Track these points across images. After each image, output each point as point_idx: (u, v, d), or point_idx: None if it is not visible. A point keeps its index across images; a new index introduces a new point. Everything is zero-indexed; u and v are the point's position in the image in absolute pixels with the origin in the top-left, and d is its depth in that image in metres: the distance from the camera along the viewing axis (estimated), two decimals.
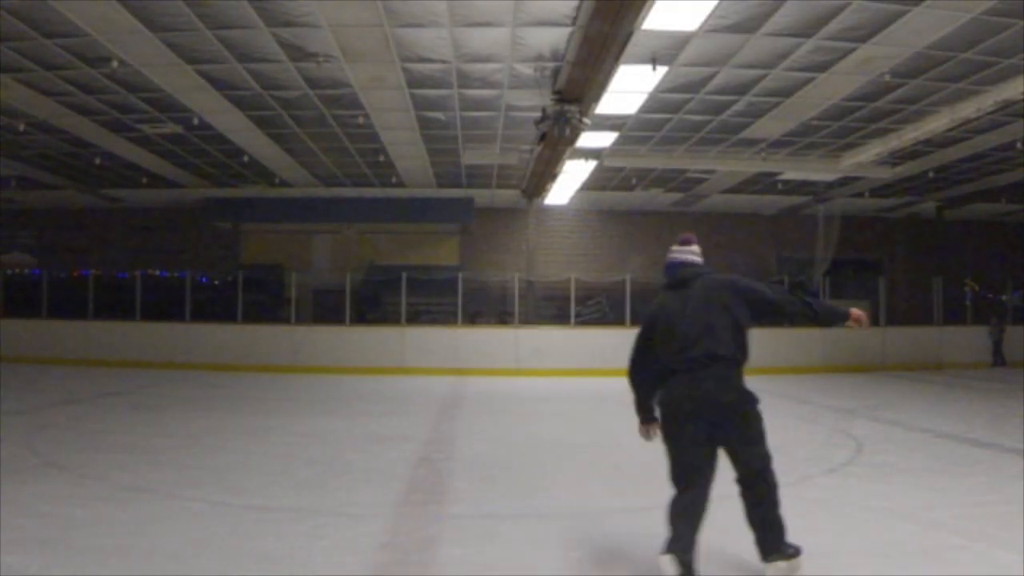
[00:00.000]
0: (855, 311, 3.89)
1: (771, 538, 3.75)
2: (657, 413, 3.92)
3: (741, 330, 3.73)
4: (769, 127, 13.11)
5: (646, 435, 4.11)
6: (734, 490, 3.78)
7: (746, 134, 13.59)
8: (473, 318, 18.73)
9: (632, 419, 4.17)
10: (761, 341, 16.90)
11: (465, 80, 10.78)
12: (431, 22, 8.78)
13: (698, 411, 3.59)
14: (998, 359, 18.12)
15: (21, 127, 13.02)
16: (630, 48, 8.91)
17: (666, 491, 3.69)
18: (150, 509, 5.25)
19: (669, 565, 3.42)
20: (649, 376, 3.94)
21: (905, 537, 4.70)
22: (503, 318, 18.94)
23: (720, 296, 3.74)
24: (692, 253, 3.93)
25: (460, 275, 18.17)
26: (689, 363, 3.62)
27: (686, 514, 3.57)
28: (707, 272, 3.86)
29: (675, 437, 3.68)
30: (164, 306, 17.81)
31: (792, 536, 3.72)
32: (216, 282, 19.62)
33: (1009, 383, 14.48)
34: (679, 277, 3.87)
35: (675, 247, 3.97)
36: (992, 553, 4.38)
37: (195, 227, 20.64)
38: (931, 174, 16.47)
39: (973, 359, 18.26)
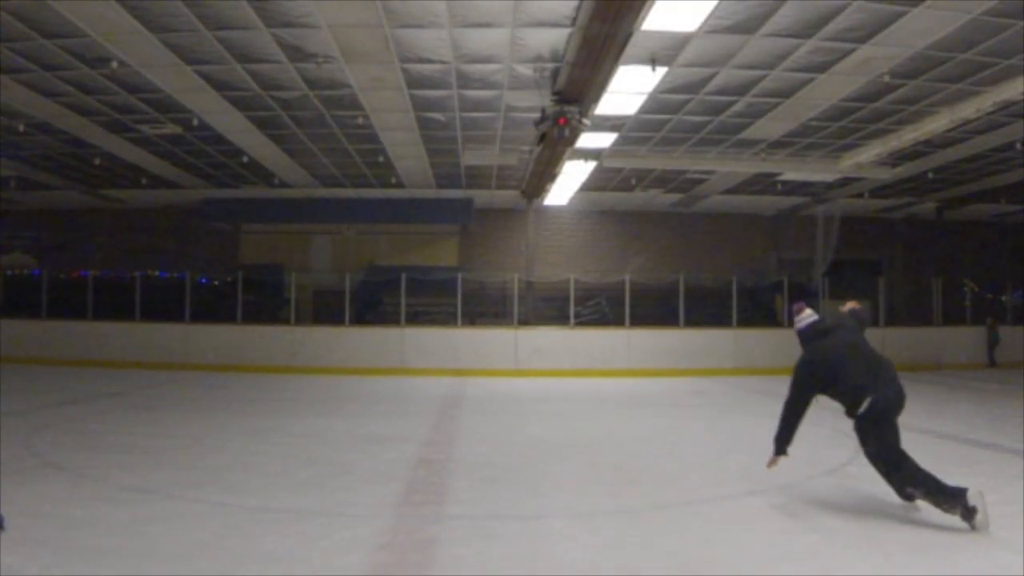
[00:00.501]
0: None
1: (934, 500, 4.84)
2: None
3: None
4: (769, 128, 13.11)
5: (773, 465, 5.34)
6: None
7: (746, 135, 13.59)
8: (473, 319, 18.73)
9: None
10: (760, 341, 16.83)
11: (465, 81, 10.78)
12: (431, 23, 8.78)
13: (902, 406, 5.04)
14: (992, 359, 18.12)
15: (21, 127, 13.03)
16: (630, 49, 8.91)
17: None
18: (150, 509, 5.25)
19: (978, 496, 4.70)
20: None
21: (905, 537, 4.70)
22: (505, 317, 18.91)
23: (861, 332, 5.36)
24: (813, 313, 5.42)
25: (460, 276, 18.17)
26: (889, 378, 5.04)
27: (927, 472, 4.91)
28: (827, 321, 5.40)
29: (893, 427, 5.01)
30: (164, 306, 17.79)
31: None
32: (216, 282, 19.60)
33: (1009, 383, 14.49)
34: (819, 330, 5.34)
35: (800, 315, 5.40)
36: (992, 553, 4.38)
37: (195, 227, 20.63)
38: (931, 174, 16.48)
39: (973, 359, 18.27)
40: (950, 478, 6.36)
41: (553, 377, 16.36)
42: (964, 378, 16.01)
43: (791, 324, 5.61)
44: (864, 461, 6.32)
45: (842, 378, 5.04)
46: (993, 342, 18.24)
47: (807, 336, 5.34)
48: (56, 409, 10.32)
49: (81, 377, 14.61)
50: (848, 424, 6.18)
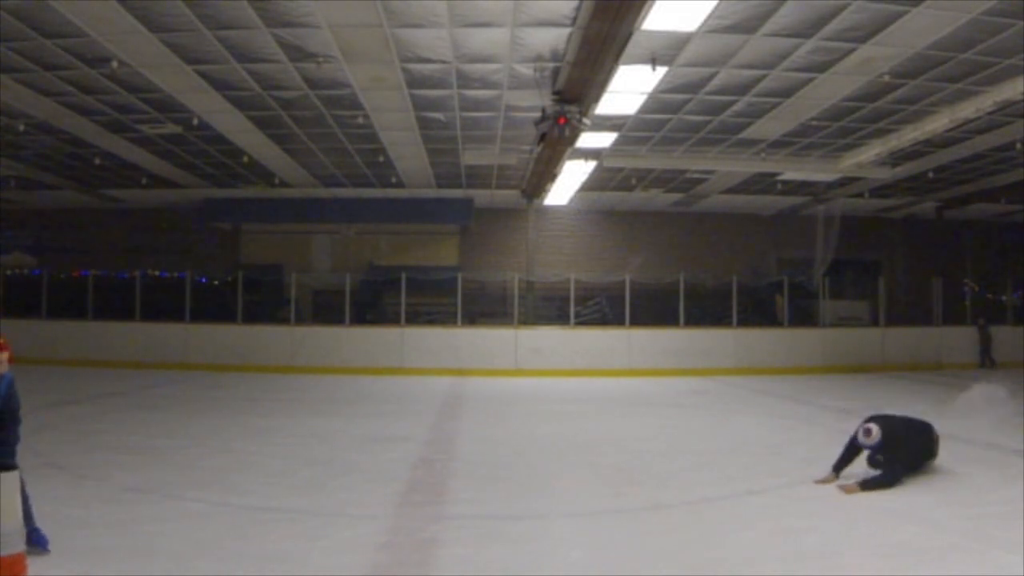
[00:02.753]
0: None
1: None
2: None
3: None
4: (769, 127, 13.11)
5: (827, 484, 6.17)
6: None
7: (746, 134, 13.59)
8: (473, 319, 18.73)
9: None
10: (760, 341, 16.76)
11: (465, 80, 10.78)
12: (431, 22, 8.78)
13: None
14: (985, 359, 18.06)
15: (21, 127, 13.02)
16: (630, 48, 8.90)
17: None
18: (150, 509, 5.26)
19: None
20: None
21: (905, 537, 4.70)
22: (505, 317, 18.91)
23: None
24: (877, 428, 6.15)
25: (460, 275, 18.17)
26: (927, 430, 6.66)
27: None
28: (882, 426, 6.26)
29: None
30: (164, 306, 17.80)
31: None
32: (216, 282, 19.60)
33: (1008, 384, 14.46)
34: (891, 437, 6.16)
35: (870, 437, 6.11)
36: (992, 553, 4.38)
37: (195, 227, 20.64)
38: (931, 174, 16.48)
39: (972, 359, 18.25)
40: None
41: (553, 377, 16.36)
42: (964, 378, 15.99)
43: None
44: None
45: (928, 456, 6.57)
46: (987, 342, 18.19)
47: (888, 447, 6.11)
48: (56, 409, 10.32)
49: (81, 377, 14.62)
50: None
